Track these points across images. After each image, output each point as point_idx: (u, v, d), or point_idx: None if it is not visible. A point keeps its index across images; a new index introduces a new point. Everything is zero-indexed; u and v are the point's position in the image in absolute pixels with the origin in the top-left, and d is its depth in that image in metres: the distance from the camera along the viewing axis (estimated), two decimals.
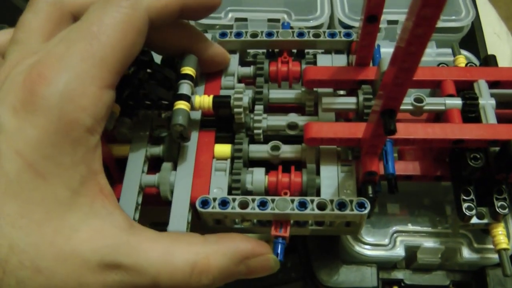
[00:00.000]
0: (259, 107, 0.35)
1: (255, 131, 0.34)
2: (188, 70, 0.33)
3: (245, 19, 0.46)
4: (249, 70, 0.38)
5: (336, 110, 0.35)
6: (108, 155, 0.33)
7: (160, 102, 0.32)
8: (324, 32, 0.39)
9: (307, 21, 0.46)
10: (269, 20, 0.46)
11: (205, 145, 0.34)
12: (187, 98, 0.32)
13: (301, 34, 0.39)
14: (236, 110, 0.33)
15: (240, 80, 0.38)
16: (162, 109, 0.33)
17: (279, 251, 0.30)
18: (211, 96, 0.33)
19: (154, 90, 0.31)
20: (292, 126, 0.35)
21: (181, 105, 0.31)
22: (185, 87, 0.33)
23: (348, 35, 0.39)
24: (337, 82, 0.36)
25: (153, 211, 0.34)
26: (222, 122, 0.35)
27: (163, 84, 0.33)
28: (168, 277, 0.25)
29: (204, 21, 0.46)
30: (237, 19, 0.46)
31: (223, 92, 0.36)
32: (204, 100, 0.33)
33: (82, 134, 0.24)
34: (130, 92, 0.31)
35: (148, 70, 0.32)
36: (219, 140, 0.35)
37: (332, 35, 0.39)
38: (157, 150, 0.33)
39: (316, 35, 0.39)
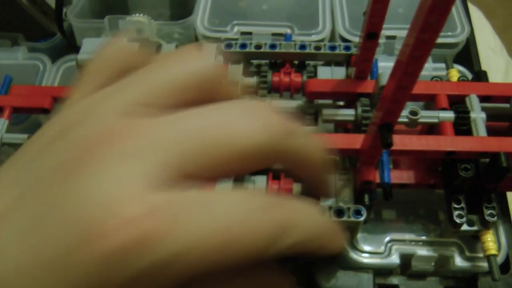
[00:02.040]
0: None
1: None
2: None
3: (250, 33, 0.48)
4: (253, 80, 0.40)
5: (335, 121, 0.36)
6: None
7: None
8: (325, 45, 0.41)
9: (309, 36, 0.48)
10: (273, 34, 0.48)
11: None
12: None
13: (302, 47, 0.41)
14: None
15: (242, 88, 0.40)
16: None
17: None
18: None
19: None
20: None
21: None
22: None
23: (347, 48, 0.40)
24: (337, 94, 0.38)
25: None
26: None
27: None
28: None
29: (210, 34, 0.48)
30: (242, 33, 0.48)
31: None
32: None
33: None
34: None
35: None
36: None
37: (333, 48, 0.41)
38: None
39: (317, 48, 0.40)
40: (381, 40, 0.48)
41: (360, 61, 0.37)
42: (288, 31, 0.49)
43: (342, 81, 0.38)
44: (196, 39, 0.51)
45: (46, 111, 0.42)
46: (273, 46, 0.40)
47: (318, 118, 0.38)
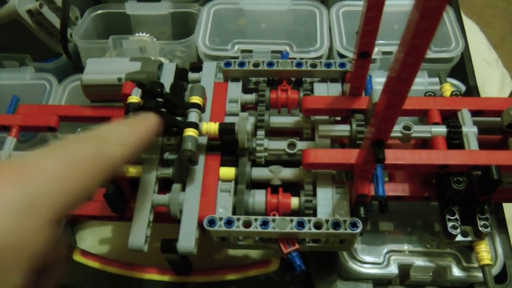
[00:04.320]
0: (261, 133, 0.38)
1: (257, 155, 0.37)
2: (196, 99, 0.37)
3: (250, 51, 0.49)
4: (251, 97, 0.42)
5: (331, 137, 0.38)
6: (122, 175, 0.36)
7: (171, 128, 0.35)
8: (321, 63, 0.42)
9: (307, 53, 0.50)
10: (273, 51, 0.49)
11: (211, 168, 0.37)
12: (195, 126, 0.35)
13: (299, 64, 0.42)
14: (240, 136, 0.36)
15: (243, 106, 0.41)
16: (172, 135, 0.36)
17: (298, 262, 0.33)
18: (217, 124, 0.36)
19: (165, 118, 0.35)
20: (291, 145, 0.38)
21: (190, 132, 0.35)
22: (193, 115, 0.36)
23: (342, 65, 0.42)
24: (332, 110, 0.39)
25: (163, 228, 0.36)
26: (226, 146, 0.38)
27: (173, 111, 0.36)
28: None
29: (211, 52, 0.50)
30: (243, 51, 0.49)
31: (227, 118, 0.40)
32: (210, 127, 0.36)
33: None
34: None
35: (159, 99, 0.35)
36: (224, 163, 0.38)
37: (328, 65, 0.42)
38: (167, 171, 0.36)
39: (313, 65, 0.42)
40: (377, 56, 0.50)
41: (354, 78, 0.38)
42: (287, 48, 0.50)
43: (337, 98, 0.39)
44: (198, 57, 0.52)
45: (52, 129, 0.43)
46: (270, 64, 0.42)
47: (315, 134, 0.39)
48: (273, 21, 0.53)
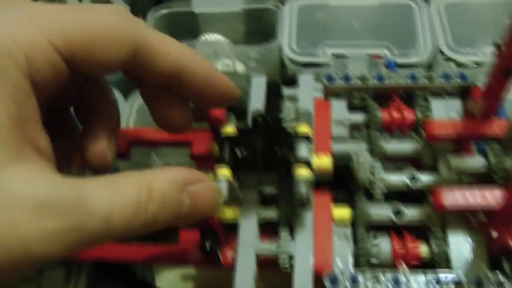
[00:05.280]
0: (377, 165, 0.33)
1: (376, 191, 0.32)
2: (305, 128, 0.31)
3: (343, 56, 0.43)
4: (360, 118, 0.36)
5: (465, 172, 0.32)
6: (215, 219, 0.31)
7: (278, 166, 0.30)
8: (437, 74, 0.36)
9: (409, 57, 0.43)
10: (370, 55, 0.43)
11: (321, 207, 0.32)
12: (307, 163, 0.30)
13: (413, 78, 0.36)
14: (361, 175, 0.30)
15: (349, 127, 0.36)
16: (280, 170, 0.31)
17: None
18: (329, 157, 0.31)
19: (274, 155, 0.30)
20: (413, 178, 0.33)
21: (303, 171, 0.29)
22: (304, 149, 0.30)
23: (463, 77, 0.36)
24: (462, 137, 0.33)
25: None
26: (336, 179, 0.33)
27: (276, 143, 0.31)
28: (120, 210, 0.20)
29: (299, 58, 0.44)
30: (335, 56, 0.43)
31: (335, 145, 0.34)
32: (322, 162, 0.31)
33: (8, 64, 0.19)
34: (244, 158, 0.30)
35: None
36: (335, 199, 0.32)
37: (446, 77, 0.36)
38: (271, 214, 0.32)
39: (429, 78, 0.36)
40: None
41: (489, 98, 0.32)
42: (386, 51, 0.44)
43: (467, 122, 0.33)
44: (280, 63, 0.47)
45: (124, 157, 0.39)
46: (380, 78, 0.36)
47: (438, 165, 0.33)
48: (363, 17, 0.46)
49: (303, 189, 0.29)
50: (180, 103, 0.28)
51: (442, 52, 0.44)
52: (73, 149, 0.28)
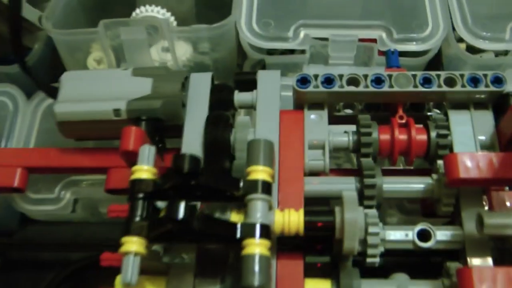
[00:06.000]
0: (372, 216, 0.21)
1: (370, 252, 0.22)
2: (263, 173, 0.20)
3: (324, 39, 0.31)
4: (345, 140, 0.25)
5: (503, 234, 0.21)
6: None
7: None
8: (462, 76, 0.25)
9: (411, 42, 0.31)
10: (361, 40, 0.31)
11: (289, 280, 0.22)
12: (265, 233, 0.19)
13: (427, 81, 0.25)
14: (348, 244, 0.19)
15: (331, 152, 0.25)
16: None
17: None
18: (301, 216, 0.20)
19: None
20: (424, 235, 0.23)
21: (256, 247, 0.18)
22: (258, 209, 0.19)
23: (498, 81, 0.25)
24: (499, 181, 0.22)
25: None
26: (312, 240, 0.22)
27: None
28: None
29: (263, 43, 0.31)
30: (314, 40, 0.31)
31: (309, 185, 0.23)
32: (290, 223, 0.20)
33: None
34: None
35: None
36: (310, 270, 0.22)
37: (474, 81, 0.25)
38: None
39: (450, 82, 0.25)
40: None
41: None
42: (383, 35, 0.31)
43: (503, 157, 0.22)
44: (240, 51, 0.34)
45: (18, 191, 0.27)
46: (379, 81, 0.24)
47: (461, 212, 0.22)
48: None
49: (255, 279, 0.17)
50: None
51: (461, 39, 0.31)
52: None
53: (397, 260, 0.25)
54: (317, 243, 0.22)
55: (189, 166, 0.18)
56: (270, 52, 0.33)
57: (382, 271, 0.23)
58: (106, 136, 0.26)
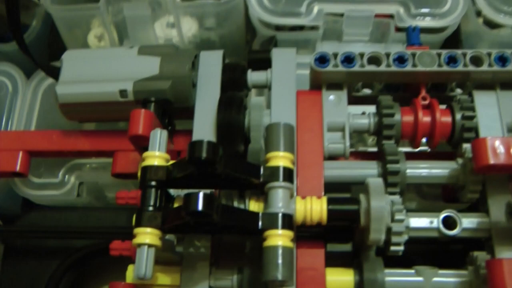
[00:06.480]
0: (397, 203, 0.20)
1: (394, 240, 0.20)
2: (283, 159, 0.19)
3: (339, 15, 0.29)
4: (366, 122, 0.23)
5: None
6: None
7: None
8: (490, 55, 0.23)
9: (430, 17, 0.30)
10: (377, 16, 0.29)
11: (310, 270, 0.21)
12: (288, 223, 0.18)
13: (453, 60, 0.23)
14: (373, 236, 0.18)
15: (351, 136, 0.23)
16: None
17: None
18: (324, 204, 0.19)
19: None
20: (449, 221, 0.22)
21: (279, 239, 0.17)
22: (278, 199, 0.18)
23: None
24: None
25: None
26: (333, 229, 0.21)
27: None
28: None
29: (275, 19, 0.29)
30: (328, 15, 0.29)
31: (328, 170, 0.22)
32: (313, 209, 0.19)
33: None
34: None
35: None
36: (331, 259, 0.21)
37: (503, 60, 0.23)
38: (228, 283, 0.20)
39: (476, 60, 0.23)
40: None
41: None
42: (401, 11, 0.30)
43: None
44: (249, 28, 0.32)
45: (19, 175, 0.26)
46: (402, 60, 0.23)
47: (486, 203, 0.21)
48: None
49: (278, 272, 0.17)
50: None
51: (479, 13, 0.30)
52: None
53: (415, 248, 0.25)
54: (338, 231, 0.21)
55: (207, 154, 0.16)
56: (278, 28, 0.32)
57: (398, 258, 0.22)
58: (111, 118, 0.25)
